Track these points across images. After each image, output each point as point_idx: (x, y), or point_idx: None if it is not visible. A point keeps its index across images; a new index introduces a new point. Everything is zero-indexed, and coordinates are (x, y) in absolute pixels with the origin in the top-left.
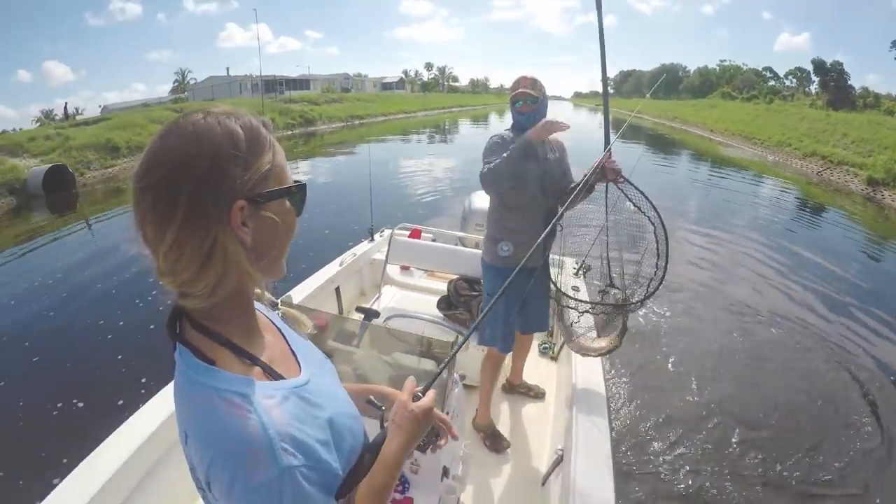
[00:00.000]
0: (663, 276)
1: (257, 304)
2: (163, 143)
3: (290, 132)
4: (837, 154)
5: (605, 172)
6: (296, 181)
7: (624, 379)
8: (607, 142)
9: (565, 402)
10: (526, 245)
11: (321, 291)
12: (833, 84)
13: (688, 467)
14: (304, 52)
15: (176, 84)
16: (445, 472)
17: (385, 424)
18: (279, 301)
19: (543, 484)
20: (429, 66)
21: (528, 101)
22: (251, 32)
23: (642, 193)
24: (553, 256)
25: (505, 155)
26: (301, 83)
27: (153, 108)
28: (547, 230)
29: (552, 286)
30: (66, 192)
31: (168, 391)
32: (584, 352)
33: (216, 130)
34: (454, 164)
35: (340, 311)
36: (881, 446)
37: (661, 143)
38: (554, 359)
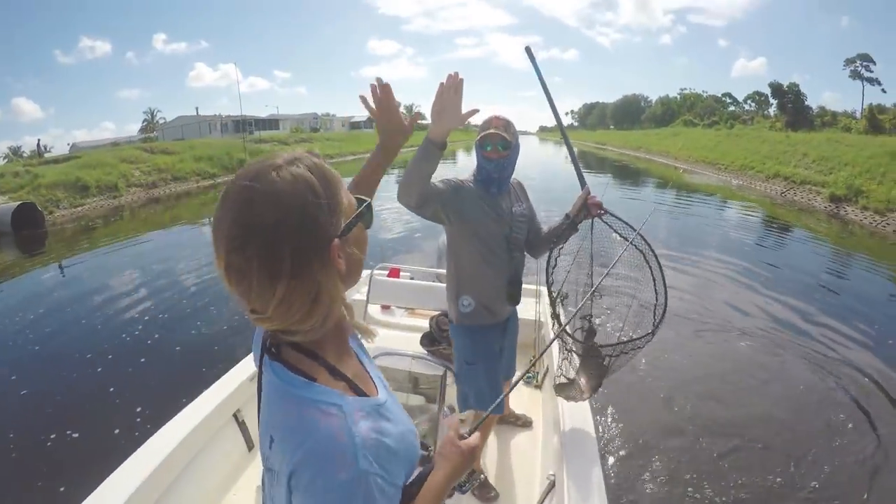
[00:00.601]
0: (665, 304)
1: None
2: (252, 212)
3: None
4: (799, 174)
5: (589, 208)
6: (358, 198)
7: (610, 401)
8: (582, 180)
9: (553, 429)
10: (493, 301)
11: None
12: (791, 105)
13: (679, 486)
14: (272, 92)
15: (145, 123)
16: None
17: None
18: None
19: None
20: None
21: (498, 145)
22: (220, 72)
23: (627, 224)
24: (529, 287)
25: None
26: (270, 123)
27: (123, 147)
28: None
29: (557, 323)
30: (35, 230)
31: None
32: (573, 398)
33: (295, 185)
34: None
35: None
36: (866, 455)
37: (627, 174)
38: (538, 387)
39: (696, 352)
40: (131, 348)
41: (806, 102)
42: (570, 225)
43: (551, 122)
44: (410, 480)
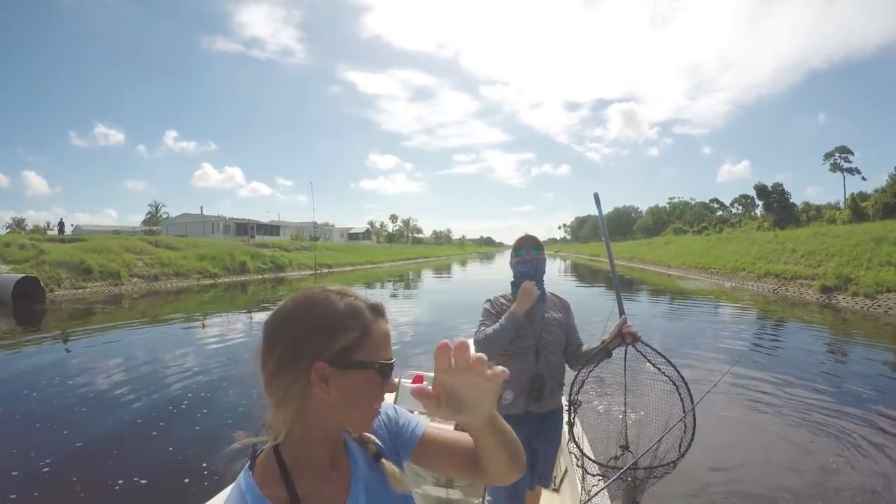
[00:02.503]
0: (692, 437)
1: (355, 451)
2: (285, 303)
3: (260, 276)
4: (790, 270)
5: (624, 337)
6: (387, 359)
7: None
8: (621, 308)
9: None
10: (523, 391)
11: None
12: (776, 204)
13: None
14: (274, 198)
15: (149, 216)
16: None
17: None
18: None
19: None
20: (394, 218)
21: (532, 249)
22: (225, 174)
23: (661, 355)
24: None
25: (497, 327)
26: (271, 228)
27: (127, 238)
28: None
29: (574, 446)
30: (34, 304)
31: None
32: None
33: (320, 301)
34: (427, 309)
35: None
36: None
37: (622, 284)
38: (556, 490)
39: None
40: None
41: (791, 200)
42: (603, 350)
43: (544, 235)
44: None
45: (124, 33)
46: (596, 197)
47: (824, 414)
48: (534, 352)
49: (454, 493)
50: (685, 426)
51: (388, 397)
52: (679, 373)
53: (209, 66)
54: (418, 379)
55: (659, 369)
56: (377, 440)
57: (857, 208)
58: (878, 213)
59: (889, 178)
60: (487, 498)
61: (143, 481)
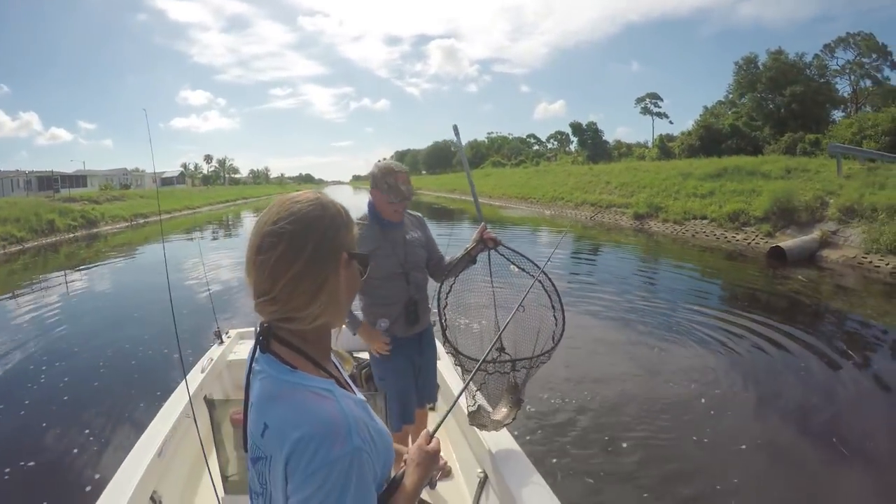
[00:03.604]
0: (563, 325)
1: None
2: (297, 208)
3: (72, 234)
4: (605, 199)
5: (485, 242)
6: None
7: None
8: (480, 217)
9: (477, 449)
10: (396, 323)
11: (195, 399)
12: (590, 141)
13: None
14: (76, 144)
15: None
16: None
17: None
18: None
19: None
20: (208, 159)
21: (403, 199)
22: (19, 121)
23: (523, 255)
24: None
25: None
26: (78, 179)
27: None
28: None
29: (450, 348)
30: None
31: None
32: (487, 426)
33: (333, 206)
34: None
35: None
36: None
37: (444, 215)
38: (433, 409)
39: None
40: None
41: (604, 137)
42: (466, 257)
43: (363, 171)
44: (387, 485)
45: None
46: (455, 129)
47: (645, 312)
48: (403, 277)
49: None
50: (556, 319)
51: (242, 346)
52: (542, 269)
53: None
54: None
55: (522, 269)
56: None
57: (665, 147)
58: (683, 153)
59: (694, 124)
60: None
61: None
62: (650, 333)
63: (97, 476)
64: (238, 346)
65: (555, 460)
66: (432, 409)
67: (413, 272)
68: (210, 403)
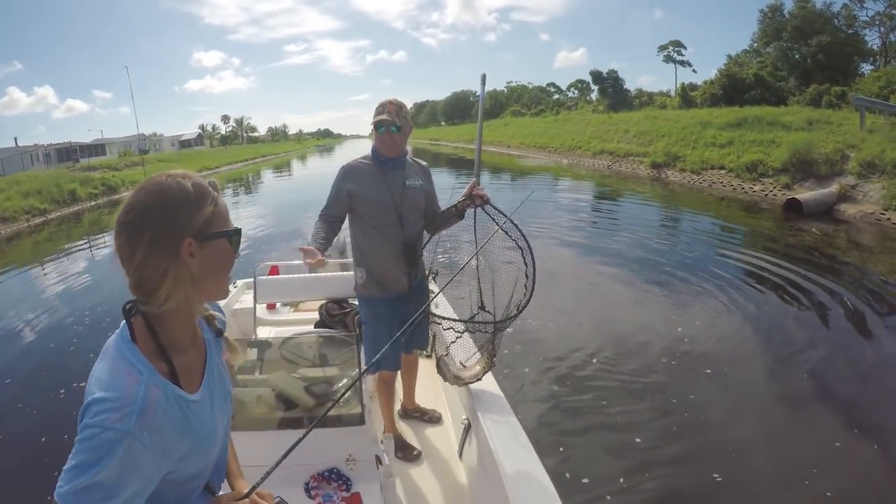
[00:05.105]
0: (531, 293)
1: (206, 328)
2: (136, 196)
3: (94, 202)
4: (623, 148)
5: (473, 199)
6: (235, 228)
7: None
8: (477, 173)
9: (460, 398)
10: (386, 272)
11: None
12: (611, 90)
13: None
14: (94, 114)
15: None
16: (379, 460)
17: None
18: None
19: (460, 455)
20: (225, 119)
21: (391, 127)
22: (35, 96)
23: (507, 217)
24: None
25: (314, 234)
26: (96, 148)
27: None
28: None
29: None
30: None
31: None
32: (460, 381)
33: (170, 187)
34: (272, 208)
35: None
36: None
37: (463, 164)
38: (429, 356)
39: (570, 312)
40: None
41: (625, 86)
42: (454, 211)
43: None
44: None
45: None
46: (483, 78)
47: (652, 264)
48: (398, 219)
49: (330, 371)
50: (526, 289)
51: (247, 296)
52: (521, 231)
53: None
54: (274, 270)
55: (504, 231)
56: (221, 316)
57: (687, 96)
58: (705, 102)
59: (718, 72)
60: (363, 366)
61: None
62: (658, 283)
63: None
64: (244, 295)
65: (542, 408)
66: (428, 356)
67: (408, 215)
68: None
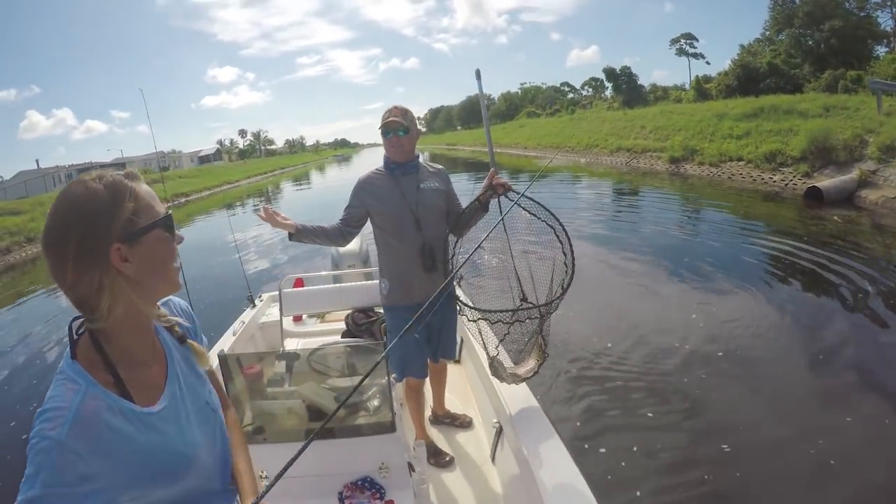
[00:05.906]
0: (573, 268)
1: (166, 337)
2: (51, 217)
3: None
4: (640, 144)
5: (495, 188)
6: (164, 213)
7: (555, 388)
8: (492, 162)
9: (491, 402)
10: (409, 279)
11: None
12: (625, 86)
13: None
14: (112, 134)
15: None
16: (412, 467)
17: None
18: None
19: (493, 460)
20: (243, 133)
21: (398, 131)
22: (54, 118)
23: (535, 201)
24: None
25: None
26: (117, 167)
27: None
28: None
29: (463, 307)
30: None
31: None
32: (517, 379)
33: (83, 196)
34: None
35: None
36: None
37: (482, 167)
38: (458, 361)
39: (602, 310)
40: None
41: (639, 82)
42: (477, 205)
43: None
44: None
45: None
46: (477, 73)
47: (674, 256)
48: (414, 222)
49: (357, 380)
50: (566, 266)
51: (274, 309)
52: (552, 213)
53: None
54: (299, 282)
55: (534, 215)
56: (183, 321)
57: (702, 89)
58: (720, 94)
59: (731, 63)
60: (393, 375)
61: None
62: (684, 278)
63: None
64: (270, 308)
65: (576, 409)
66: (457, 361)
67: (426, 217)
68: (222, 359)
